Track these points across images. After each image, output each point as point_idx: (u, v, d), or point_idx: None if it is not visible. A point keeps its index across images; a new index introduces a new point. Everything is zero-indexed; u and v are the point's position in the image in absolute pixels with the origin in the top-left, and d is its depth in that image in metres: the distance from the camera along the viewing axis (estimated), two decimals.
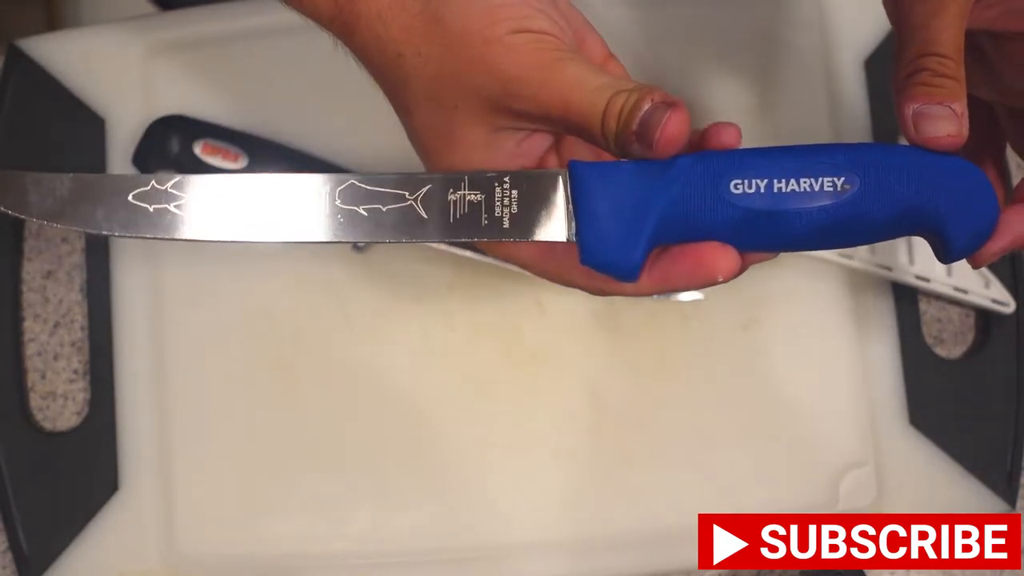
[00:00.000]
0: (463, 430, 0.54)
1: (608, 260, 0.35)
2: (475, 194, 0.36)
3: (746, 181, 0.34)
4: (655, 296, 0.54)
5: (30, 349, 0.56)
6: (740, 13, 0.56)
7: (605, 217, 0.35)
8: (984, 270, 0.54)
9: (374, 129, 0.54)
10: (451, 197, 0.36)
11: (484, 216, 0.36)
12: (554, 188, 0.36)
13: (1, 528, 0.54)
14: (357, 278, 0.55)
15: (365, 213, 0.36)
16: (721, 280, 0.35)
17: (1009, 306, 0.54)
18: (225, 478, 0.53)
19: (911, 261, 0.54)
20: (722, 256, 0.35)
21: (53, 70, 0.56)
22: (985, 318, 0.55)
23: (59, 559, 0.53)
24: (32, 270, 0.57)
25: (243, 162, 0.53)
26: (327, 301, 0.54)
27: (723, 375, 0.54)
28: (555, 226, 0.36)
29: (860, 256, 0.53)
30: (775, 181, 0.34)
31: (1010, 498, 0.53)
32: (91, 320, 0.55)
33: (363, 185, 0.36)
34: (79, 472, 0.53)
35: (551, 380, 0.54)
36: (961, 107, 0.34)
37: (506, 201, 0.36)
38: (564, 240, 0.36)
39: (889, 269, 0.54)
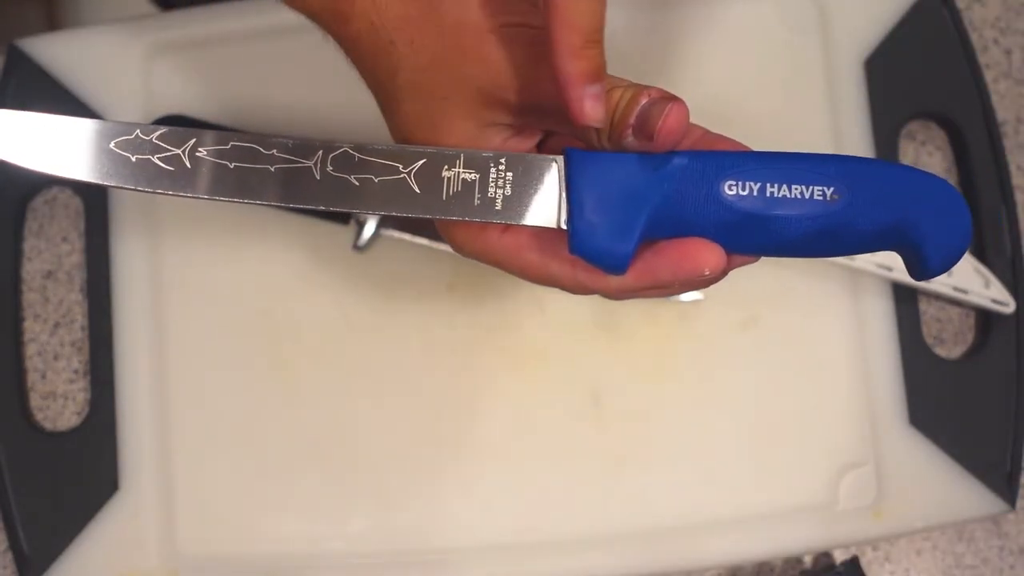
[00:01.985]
0: (463, 430, 0.53)
1: (599, 249, 0.35)
2: (470, 172, 0.36)
3: (740, 183, 0.35)
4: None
5: (30, 349, 0.56)
6: (740, 13, 0.56)
7: (598, 206, 0.35)
8: (984, 270, 0.54)
9: (374, 129, 0.54)
10: (445, 174, 0.36)
11: (477, 196, 0.36)
12: (549, 173, 0.36)
13: (1, 528, 0.54)
14: (357, 278, 0.55)
15: (356, 183, 0.35)
16: (707, 274, 0.35)
17: (1009, 306, 0.54)
18: (225, 478, 0.53)
19: None
20: (708, 251, 0.35)
21: (53, 70, 0.56)
22: (985, 318, 0.55)
23: (59, 559, 0.53)
24: (32, 270, 0.57)
25: None
26: (327, 301, 0.54)
27: (723, 375, 0.54)
28: (547, 211, 0.36)
29: (860, 256, 0.53)
30: (768, 185, 0.35)
31: (1010, 498, 0.53)
32: (91, 320, 0.55)
33: (356, 154, 0.36)
34: (79, 472, 0.53)
35: (551, 380, 0.54)
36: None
37: (500, 183, 0.36)
38: (555, 226, 0.36)
39: (889, 269, 0.54)
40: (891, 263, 0.53)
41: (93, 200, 0.56)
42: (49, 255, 0.57)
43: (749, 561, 0.53)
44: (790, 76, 0.56)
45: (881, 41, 0.56)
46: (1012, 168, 0.56)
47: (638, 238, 0.35)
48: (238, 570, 0.53)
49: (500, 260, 0.38)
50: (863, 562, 0.53)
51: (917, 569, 0.54)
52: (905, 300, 0.54)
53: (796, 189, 0.35)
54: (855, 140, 0.55)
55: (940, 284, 0.54)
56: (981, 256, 0.55)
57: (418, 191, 0.36)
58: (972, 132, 0.55)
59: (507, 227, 0.37)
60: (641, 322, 0.54)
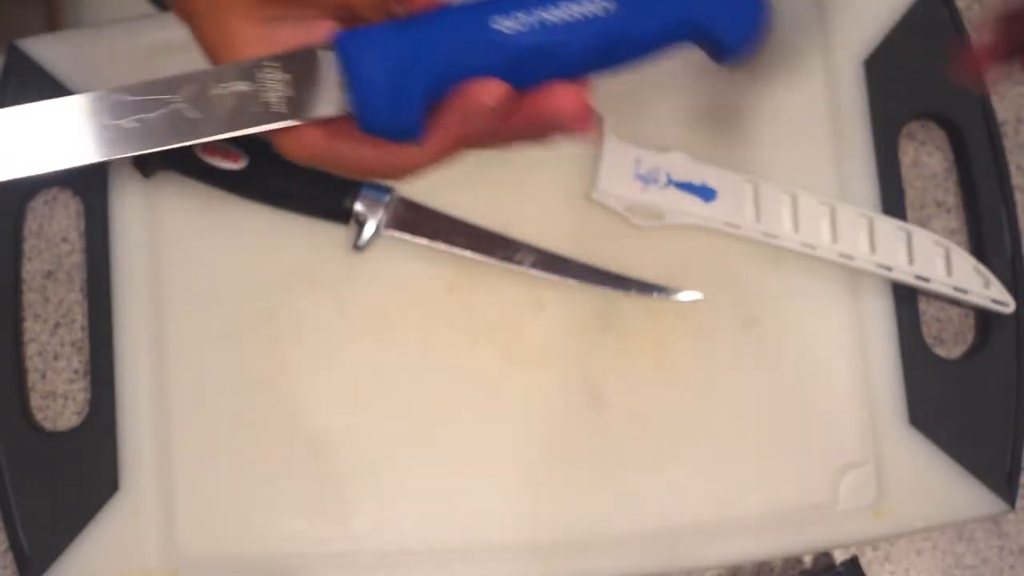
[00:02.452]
0: (463, 430, 0.54)
1: (386, 121, 0.35)
2: (243, 84, 0.35)
3: (511, 17, 0.35)
4: (655, 295, 0.54)
5: (30, 349, 0.56)
6: None
7: (377, 80, 0.35)
8: (984, 270, 0.54)
9: None
10: (218, 91, 0.35)
11: (258, 104, 0.35)
12: (323, 63, 0.36)
13: (1, 528, 0.54)
14: (357, 278, 0.55)
15: (137, 124, 0.35)
16: (491, 106, 0.35)
17: (1009, 306, 0.54)
18: (225, 478, 0.53)
19: (911, 261, 0.54)
20: (484, 84, 0.35)
21: (53, 70, 0.56)
22: (985, 318, 0.55)
23: (59, 559, 0.53)
24: (32, 270, 0.57)
25: (243, 162, 0.53)
26: (327, 301, 0.55)
27: (723, 374, 0.54)
28: (330, 100, 0.35)
29: (860, 256, 0.53)
30: (538, 12, 0.35)
31: (1010, 498, 0.53)
32: (91, 320, 0.55)
33: (125, 96, 0.35)
34: (79, 472, 0.53)
35: (551, 380, 0.54)
36: None
37: (277, 86, 0.35)
38: (341, 113, 0.35)
39: (889, 269, 0.54)
40: (891, 263, 0.54)
41: (93, 200, 0.56)
42: (49, 255, 0.57)
43: (749, 561, 0.53)
44: (790, 76, 0.56)
45: (881, 41, 0.56)
46: (1012, 168, 0.56)
47: (419, 100, 0.35)
48: (238, 570, 0.53)
49: (312, 156, 0.37)
50: (863, 562, 0.53)
51: (917, 569, 0.54)
52: (905, 300, 0.54)
53: (567, 10, 0.35)
54: (855, 140, 0.55)
55: (940, 284, 0.54)
56: (981, 256, 0.55)
57: (199, 115, 0.35)
58: (972, 132, 0.55)
59: (320, 126, 0.36)
60: (641, 321, 0.54)
